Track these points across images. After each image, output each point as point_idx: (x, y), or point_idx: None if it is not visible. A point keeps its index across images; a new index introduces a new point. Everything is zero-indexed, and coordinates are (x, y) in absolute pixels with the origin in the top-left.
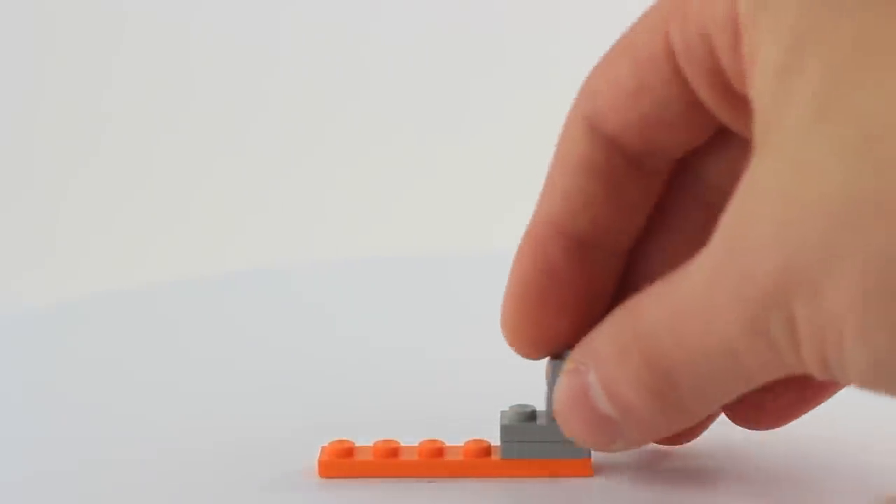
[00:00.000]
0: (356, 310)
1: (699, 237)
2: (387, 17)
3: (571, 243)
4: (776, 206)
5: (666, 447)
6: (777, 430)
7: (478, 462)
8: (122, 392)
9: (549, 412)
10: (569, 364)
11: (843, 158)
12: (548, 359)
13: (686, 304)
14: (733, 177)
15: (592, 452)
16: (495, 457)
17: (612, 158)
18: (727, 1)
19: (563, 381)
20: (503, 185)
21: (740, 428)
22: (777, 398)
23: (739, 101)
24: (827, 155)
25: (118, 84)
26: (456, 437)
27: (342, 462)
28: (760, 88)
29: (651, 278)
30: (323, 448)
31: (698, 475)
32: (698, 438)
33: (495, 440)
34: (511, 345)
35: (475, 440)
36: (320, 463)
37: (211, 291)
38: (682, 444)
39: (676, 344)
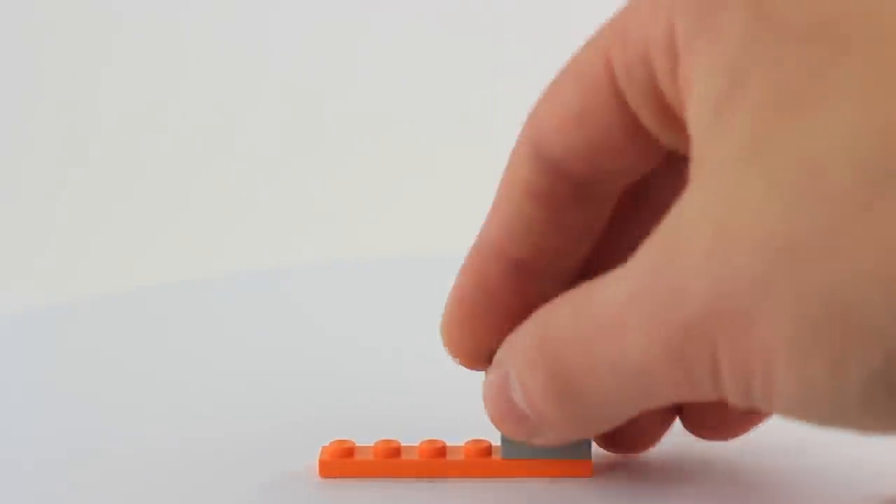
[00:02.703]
0: (356, 310)
1: None
2: (386, 17)
3: (510, 266)
4: (707, 236)
5: (630, 454)
6: (776, 430)
7: (478, 462)
8: (122, 393)
9: None
10: (495, 357)
11: (783, 193)
12: None
13: (600, 318)
14: None
15: (593, 453)
16: (496, 457)
17: (557, 184)
18: (665, 23)
19: (489, 372)
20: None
21: None
22: (726, 412)
23: (681, 125)
24: (764, 189)
25: (116, 85)
26: (456, 437)
27: (342, 462)
28: (696, 118)
29: None
30: (323, 448)
31: (697, 476)
32: (696, 439)
33: (496, 440)
34: (448, 353)
35: (476, 440)
36: (321, 463)
37: (210, 292)
38: (638, 452)
39: (584, 356)
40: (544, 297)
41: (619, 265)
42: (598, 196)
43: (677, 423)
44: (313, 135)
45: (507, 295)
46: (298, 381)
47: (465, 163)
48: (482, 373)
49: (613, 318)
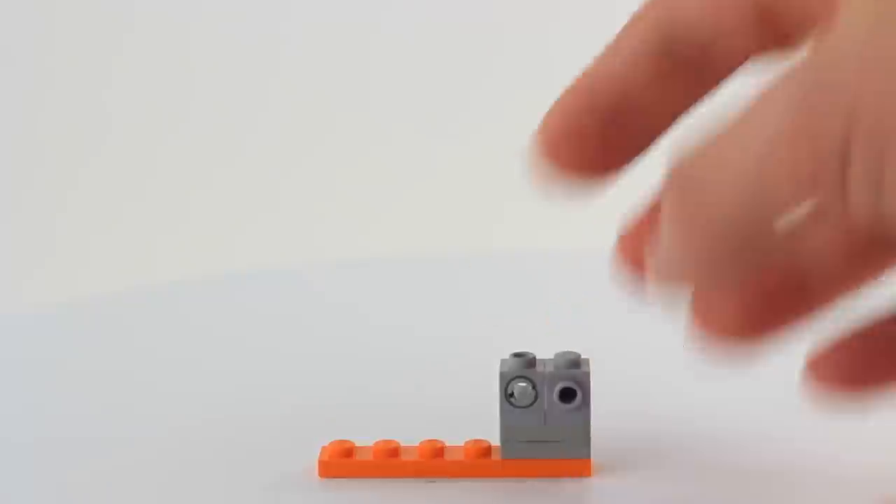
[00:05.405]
0: (356, 310)
1: None
2: (387, 18)
3: (612, 104)
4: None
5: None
6: (776, 430)
7: (478, 462)
8: (122, 393)
9: (548, 408)
10: None
11: None
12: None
13: (734, 118)
14: None
15: (592, 453)
16: (495, 457)
17: (669, 57)
18: None
19: None
20: (503, 185)
21: (738, 428)
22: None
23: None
24: None
25: (119, 85)
26: (456, 437)
27: (342, 462)
28: None
29: None
30: (323, 448)
31: (698, 475)
32: (696, 439)
33: (496, 440)
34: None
35: (475, 440)
36: (320, 463)
37: (211, 292)
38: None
39: (709, 158)
40: (630, 150)
41: None
42: (708, 72)
43: (671, 430)
44: (317, 135)
45: (597, 136)
46: (298, 381)
47: (465, 164)
48: (481, 373)
49: (746, 111)
